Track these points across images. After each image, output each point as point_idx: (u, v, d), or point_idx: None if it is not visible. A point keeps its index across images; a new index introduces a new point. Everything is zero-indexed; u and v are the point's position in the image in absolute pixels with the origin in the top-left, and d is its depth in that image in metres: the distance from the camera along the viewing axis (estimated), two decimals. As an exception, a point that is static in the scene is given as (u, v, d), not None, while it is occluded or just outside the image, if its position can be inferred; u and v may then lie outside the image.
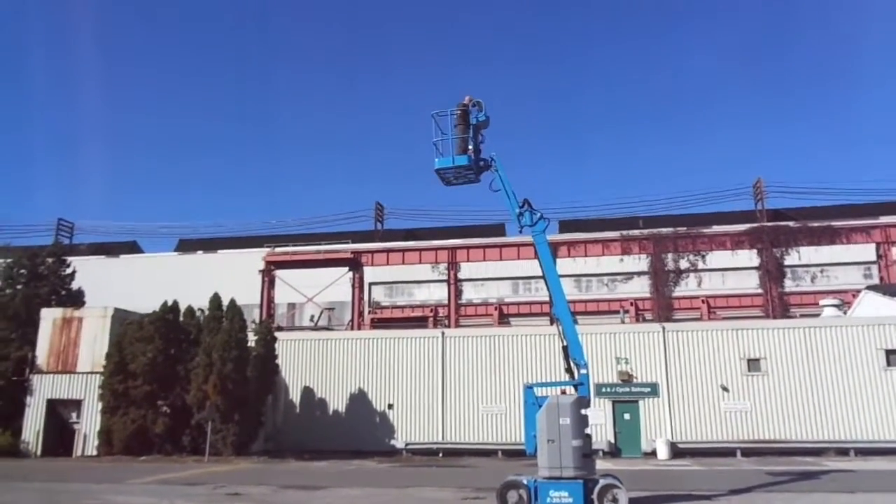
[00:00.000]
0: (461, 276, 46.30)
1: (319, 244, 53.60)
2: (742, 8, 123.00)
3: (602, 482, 12.56)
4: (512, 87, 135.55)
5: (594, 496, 12.34)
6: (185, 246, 65.45)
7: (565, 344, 13.77)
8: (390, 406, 29.67)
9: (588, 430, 12.96)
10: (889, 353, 26.84)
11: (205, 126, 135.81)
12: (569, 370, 13.82)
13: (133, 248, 67.53)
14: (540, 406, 12.92)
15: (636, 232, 44.75)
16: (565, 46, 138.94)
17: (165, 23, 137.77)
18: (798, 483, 17.40)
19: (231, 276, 45.80)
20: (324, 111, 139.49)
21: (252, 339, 28.45)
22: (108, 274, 49.11)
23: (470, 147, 14.97)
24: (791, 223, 45.36)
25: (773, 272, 43.15)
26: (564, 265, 40.86)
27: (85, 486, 17.29)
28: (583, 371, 13.41)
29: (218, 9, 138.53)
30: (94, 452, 27.65)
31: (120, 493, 15.79)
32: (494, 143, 16.09)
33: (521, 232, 15.07)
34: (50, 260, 34.97)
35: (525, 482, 12.74)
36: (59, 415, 29.24)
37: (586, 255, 43.07)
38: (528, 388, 13.50)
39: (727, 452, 26.40)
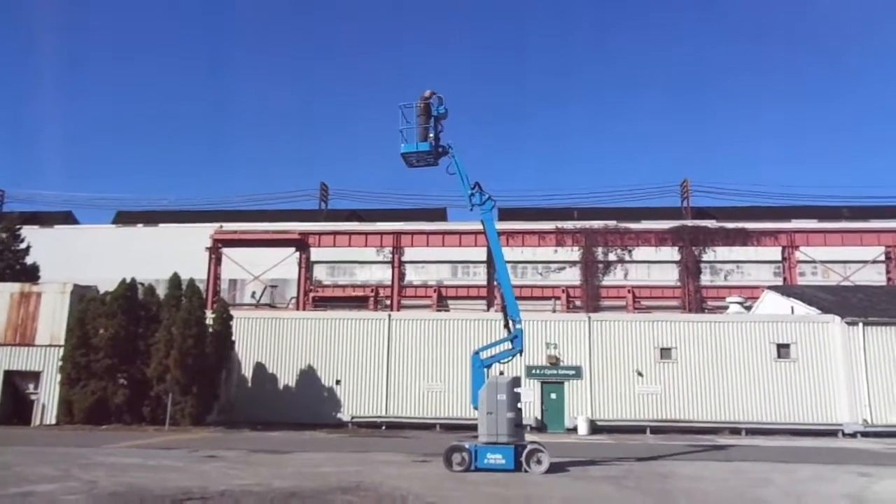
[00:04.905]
0: (403, 258, 48.21)
1: (264, 222, 54.70)
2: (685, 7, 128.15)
3: (529, 447, 15.38)
4: (454, 69, 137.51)
5: (523, 458, 15.12)
6: (125, 218, 64.92)
7: (504, 304, 16.58)
8: (338, 382, 31.82)
9: (520, 405, 15.71)
10: (780, 346, 30.66)
11: (149, 102, 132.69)
12: (507, 326, 16.64)
13: (68, 218, 66.42)
14: (487, 367, 15.81)
15: (570, 225, 47.79)
16: (507, 29, 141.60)
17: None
18: (691, 454, 20.78)
19: (173, 251, 46.21)
20: (269, 90, 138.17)
21: (210, 316, 30.13)
22: (41, 245, 45.49)
23: (431, 135, 17.41)
24: (709, 223, 49.47)
25: (690, 268, 46.92)
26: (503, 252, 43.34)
27: (71, 450, 18.85)
28: (518, 326, 16.29)
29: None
30: (53, 422, 28.88)
31: (108, 455, 17.52)
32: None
33: (471, 210, 17.78)
34: (3, 235, 35.39)
35: (467, 446, 15.41)
36: (16, 386, 30.23)
37: (524, 245, 45.70)
38: (476, 353, 16.33)
39: (639, 430, 29.80)
